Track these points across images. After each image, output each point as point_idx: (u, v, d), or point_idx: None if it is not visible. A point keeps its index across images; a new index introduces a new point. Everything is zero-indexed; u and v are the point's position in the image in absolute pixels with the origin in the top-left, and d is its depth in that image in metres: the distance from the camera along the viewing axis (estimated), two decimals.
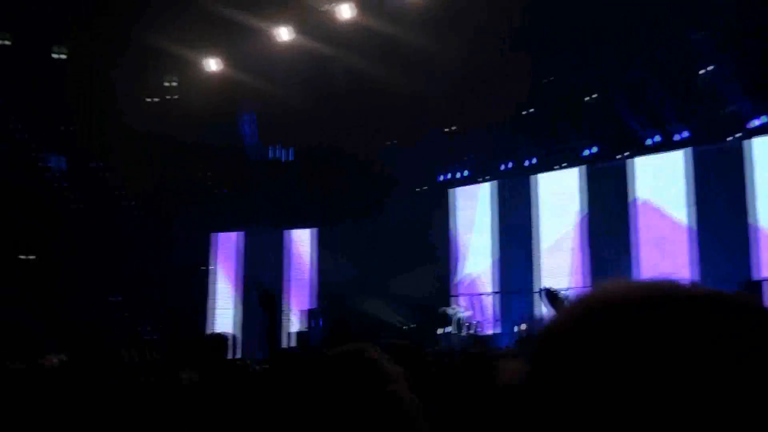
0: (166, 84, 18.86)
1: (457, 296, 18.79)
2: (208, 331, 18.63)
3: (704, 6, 13.75)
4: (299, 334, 16.86)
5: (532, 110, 17.65)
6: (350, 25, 15.61)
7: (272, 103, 17.61)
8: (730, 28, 14.00)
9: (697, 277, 15.41)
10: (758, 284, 13.29)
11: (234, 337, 6.61)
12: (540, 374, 0.67)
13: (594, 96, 16.58)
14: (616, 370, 0.62)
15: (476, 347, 9.25)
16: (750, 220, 14.95)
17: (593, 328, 0.66)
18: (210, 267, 20.36)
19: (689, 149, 16.01)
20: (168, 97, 18.90)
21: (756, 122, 14.79)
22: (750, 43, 13.87)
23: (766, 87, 14.08)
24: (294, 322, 18.68)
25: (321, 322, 17.09)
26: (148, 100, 18.88)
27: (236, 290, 20.13)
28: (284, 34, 16.27)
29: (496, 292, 18.27)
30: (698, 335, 0.63)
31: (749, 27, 13.62)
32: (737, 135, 15.24)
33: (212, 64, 17.22)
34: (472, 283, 19.00)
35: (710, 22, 14.04)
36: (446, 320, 16.74)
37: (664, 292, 0.67)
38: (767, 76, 13.88)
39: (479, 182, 19.52)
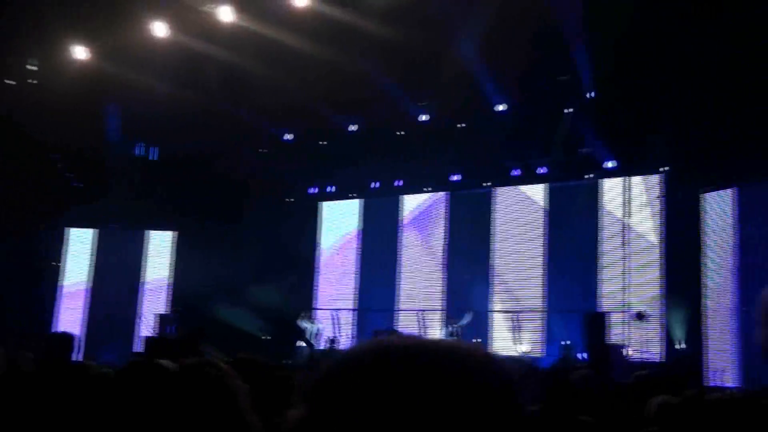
0: (27, 67, 17.76)
1: (316, 310, 18.79)
2: (54, 330, 17.68)
3: (567, 52, 14.54)
4: (148, 339, 16.27)
5: (402, 132, 17.97)
6: (229, 28, 15.30)
7: (140, 99, 16.96)
8: (588, 74, 14.89)
9: (546, 307, 16.21)
10: (600, 316, 14.06)
11: (78, 338, 6.23)
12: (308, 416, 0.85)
13: (463, 125, 17.09)
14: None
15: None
16: (598, 255, 15.90)
17: (343, 378, 0.84)
18: (60, 264, 19.34)
19: (547, 184, 16.87)
20: (28, 81, 17.79)
21: (608, 164, 15.76)
22: (606, 90, 14.79)
23: (618, 132, 15.04)
24: (146, 327, 18.04)
25: (174, 329, 16.57)
26: (8, 82, 17.70)
27: (87, 289, 19.22)
28: (160, 29, 15.74)
29: (355, 309, 18.44)
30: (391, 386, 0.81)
31: (604, 76, 14.52)
32: (591, 175, 16.18)
33: (79, 52, 16.39)
34: (334, 298, 19.09)
35: (573, 68, 14.85)
36: (302, 333, 16.69)
37: (396, 349, 0.85)
38: (619, 122, 14.84)
39: (349, 198, 19.69)
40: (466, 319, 15.42)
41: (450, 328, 15.18)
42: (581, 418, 4.58)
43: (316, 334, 16.74)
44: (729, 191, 13.66)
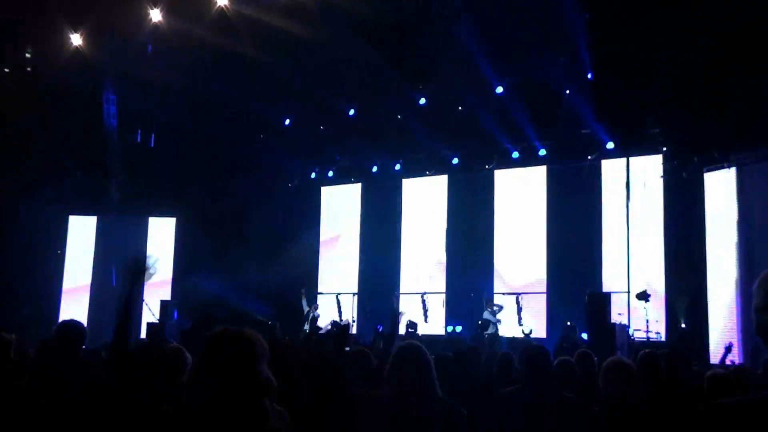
0: (25, 55, 17.64)
1: (316, 294, 18.83)
2: (61, 318, 17.71)
3: (564, 33, 14.45)
4: (150, 325, 16.30)
5: (399, 117, 17.91)
6: (224, 12, 15.20)
7: (138, 85, 16.89)
8: (586, 55, 14.81)
9: (548, 288, 16.24)
10: (603, 296, 14.01)
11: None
12: None
13: (461, 108, 17.03)
14: None
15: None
16: (599, 236, 15.89)
17: None
18: (64, 251, 19.35)
19: (548, 166, 16.85)
20: (23, 68, 17.67)
21: (609, 145, 15.72)
22: (603, 71, 14.72)
23: (617, 113, 14.99)
24: (149, 314, 18.04)
25: (176, 315, 16.59)
26: (3, 70, 17.58)
27: (91, 276, 19.23)
28: (155, 14, 15.63)
29: (356, 293, 18.46)
30: None
31: (603, 56, 14.44)
32: (592, 156, 16.14)
33: (75, 38, 16.27)
34: (336, 283, 19.11)
35: (570, 48, 14.77)
36: (306, 318, 16.71)
37: None
38: (619, 102, 14.78)
39: (350, 182, 19.69)
40: (501, 303, 15.54)
41: (490, 311, 15.16)
42: (566, 394, 4.60)
43: (315, 319, 16.73)
44: (731, 169, 13.62)
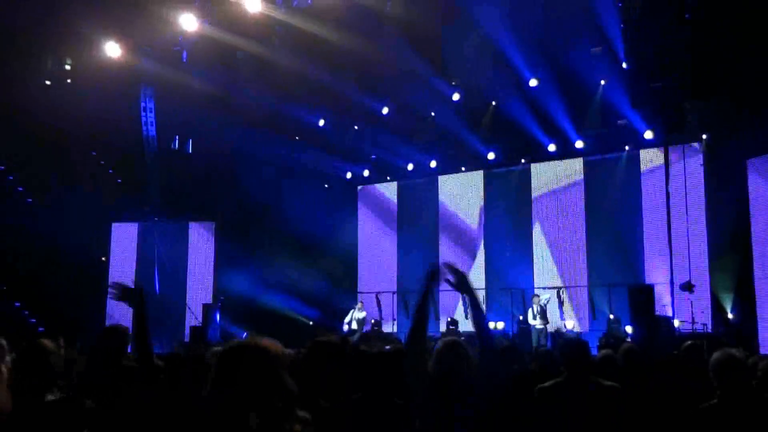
0: (65, 67, 18.01)
1: (359, 294, 18.87)
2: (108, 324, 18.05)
3: (597, 22, 14.28)
4: (193, 329, 16.51)
5: (433, 113, 17.86)
6: (256, 18, 15.32)
7: (173, 93, 17.13)
8: (621, 44, 14.60)
9: (589, 281, 16.05)
10: (646, 288, 13.75)
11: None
12: None
13: (494, 104, 16.93)
14: None
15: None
16: (640, 228, 15.67)
17: None
18: (108, 259, 19.68)
19: (585, 158, 16.65)
20: (64, 80, 18.04)
21: (646, 134, 15.47)
22: (638, 60, 14.48)
23: (654, 102, 14.73)
24: (192, 318, 18.28)
25: (217, 317, 16.77)
26: (44, 83, 17.96)
27: (133, 283, 19.48)
28: (189, 22, 15.83)
29: (395, 292, 18.43)
30: None
31: (638, 44, 14.20)
32: (629, 146, 15.91)
33: (111, 49, 16.55)
34: (376, 282, 19.12)
35: (604, 37, 14.58)
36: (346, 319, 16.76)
37: None
38: (654, 91, 14.52)
39: (387, 181, 19.71)
40: (547, 297, 15.40)
41: (536, 307, 15.03)
42: (606, 383, 4.54)
43: (358, 320, 16.74)
44: None
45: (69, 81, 17.89)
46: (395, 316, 17.84)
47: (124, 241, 19.75)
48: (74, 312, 16.99)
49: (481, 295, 17.30)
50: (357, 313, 16.71)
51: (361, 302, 17.24)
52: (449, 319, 15.64)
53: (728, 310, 13.93)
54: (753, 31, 12.35)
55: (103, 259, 19.52)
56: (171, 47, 16.64)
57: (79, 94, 17.16)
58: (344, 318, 16.76)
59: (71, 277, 18.08)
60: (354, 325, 16.49)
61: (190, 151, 19.68)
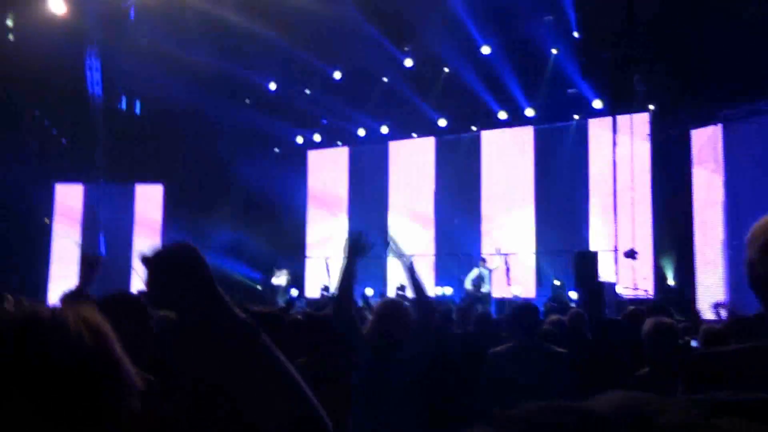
0: (7, 24, 17.34)
1: (306, 259, 18.89)
2: (51, 291, 17.76)
3: None
4: (140, 292, 16.33)
5: (385, 79, 17.83)
6: None
7: (120, 51, 16.69)
8: (573, 13, 14.74)
9: (536, 248, 16.35)
10: (591, 254, 14.08)
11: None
12: None
13: (447, 70, 16.95)
14: None
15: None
16: (587, 196, 16.00)
17: None
18: (51, 220, 19.27)
19: (535, 126, 16.86)
20: (5, 37, 17.39)
21: (596, 104, 15.73)
22: (589, 29, 14.66)
23: (603, 72, 14.96)
24: (140, 280, 18.06)
25: None
26: None
27: (78, 244, 19.17)
28: None
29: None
30: None
31: (589, 14, 14.37)
32: (578, 116, 16.16)
33: (55, 5, 16.01)
34: (325, 248, 19.14)
35: (556, 6, 14.69)
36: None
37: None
38: (605, 62, 14.75)
39: (337, 146, 19.66)
40: (496, 263, 15.55)
41: (480, 271, 15.17)
42: (556, 349, 4.68)
43: (286, 289, 16.84)
44: (716, 126, 13.68)
45: (11, 38, 17.26)
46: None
47: (68, 203, 19.35)
48: (18, 273, 16.65)
49: (430, 261, 17.50)
50: (275, 279, 16.82)
51: (286, 269, 17.26)
52: (399, 285, 15.78)
53: (670, 276, 14.39)
54: (701, 3, 12.60)
55: (47, 220, 19.11)
56: (119, 5, 16.20)
57: (22, 51, 16.59)
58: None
59: (14, 238, 17.67)
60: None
61: (138, 111, 19.26)
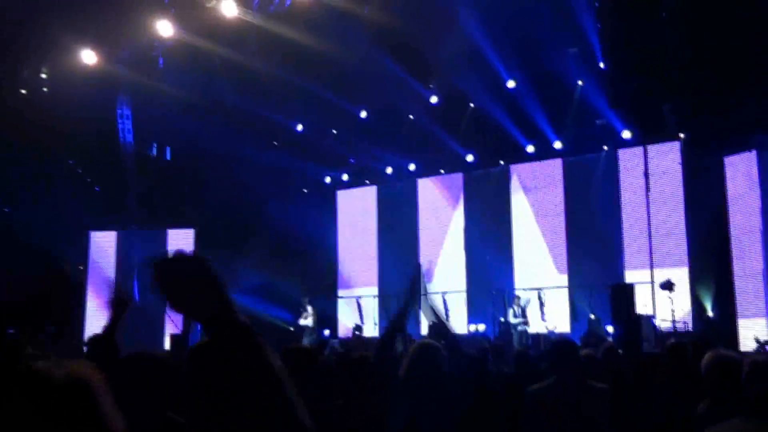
0: (41, 76, 17.80)
1: (339, 299, 18.81)
2: (88, 334, 17.85)
3: (574, 22, 14.35)
4: (173, 336, 16.36)
5: (411, 116, 17.89)
6: (232, 24, 15.24)
7: (150, 99, 17.00)
8: (598, 44, 14.69)
9: (569, 282, 16.10)
10: (627, 287, 13.83)
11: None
12: None
13: (472, 106, 16.97)
14: None
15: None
16: (620, 228, 15.75)
17: None
18: (87, 267, 19.47)
19: (564, 159, 16.73)
20: (40, 89, 17.82)
21: (624, 134, 15.58)
22: (615, 60, 14.57)
23: (632, 102, 14.82)
24: (173, 325, 18.12)
25: (198, 325, 16.59)
26: (20, 92, 17.73)
27: (110, 287, 19.32)
28: (165, 28, 15.72)
29: (377, 296, 18.40)
30: None
31: (615, 44, 14.29)
32: (607, 146, 16.01)
33: (87, 56, 16.39)
34: (356, 286, 19.08)
35: (581, 37, 14.65)
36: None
37: None
38: (633, 91, 14.61)
39: (366, 185, 19.69)
40: (528, 298, 15.42)
41: (517, 308, 15.05)
42: (597, 384, 4.53)
43: (314, 329, 16.65)
44: (750, 153, 13.43)
45: (45, 89, 17.68)
46: (376, 321, 17.79)
47: (102, 250, 19.56)
48: (50, 319, 16.75)
49: (463, 298, 17.32)
50: (302, 320, 16.61)
51: (311, 308, 16.94)
52: (431, 323, 15.59)
53: (708, 308, 14.03)
54: (729, 29, 12.47)
55: (81, 267, 19.31)
56: (147, 53, 16.53)
57: (56, 102, 16.96)
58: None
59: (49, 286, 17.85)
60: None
61: (169, 157, 19.52)
